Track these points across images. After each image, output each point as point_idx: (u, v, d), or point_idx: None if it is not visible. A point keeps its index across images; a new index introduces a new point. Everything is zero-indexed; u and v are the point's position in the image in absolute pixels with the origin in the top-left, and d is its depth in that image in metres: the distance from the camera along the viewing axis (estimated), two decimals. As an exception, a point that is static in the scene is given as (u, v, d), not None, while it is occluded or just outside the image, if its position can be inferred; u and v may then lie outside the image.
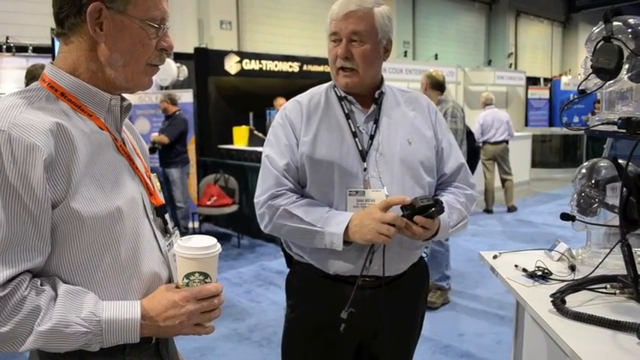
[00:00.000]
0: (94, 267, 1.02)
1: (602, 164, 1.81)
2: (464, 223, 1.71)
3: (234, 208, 6.21)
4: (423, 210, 1.50)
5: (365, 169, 1.61)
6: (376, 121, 1.66)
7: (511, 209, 7.97)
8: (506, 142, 7.91)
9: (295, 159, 1.63)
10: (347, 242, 1.56)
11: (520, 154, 9.93)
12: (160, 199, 1.18)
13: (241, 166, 6.45)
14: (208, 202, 6.23)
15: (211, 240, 1.09)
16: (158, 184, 1.22)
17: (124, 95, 1.13)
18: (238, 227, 6.42)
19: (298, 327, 1.76)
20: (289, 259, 1.80)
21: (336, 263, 1.64)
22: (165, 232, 1.17)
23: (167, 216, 1.18)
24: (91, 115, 1.06)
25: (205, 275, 1.07)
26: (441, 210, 1.52)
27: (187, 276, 1.06)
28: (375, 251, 1.60)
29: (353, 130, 1.63)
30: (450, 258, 4.45)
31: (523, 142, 10.09)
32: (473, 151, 4.80)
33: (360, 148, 1.62)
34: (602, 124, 1.51)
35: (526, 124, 12.96)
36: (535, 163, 10.93)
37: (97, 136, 1.05)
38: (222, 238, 6.54)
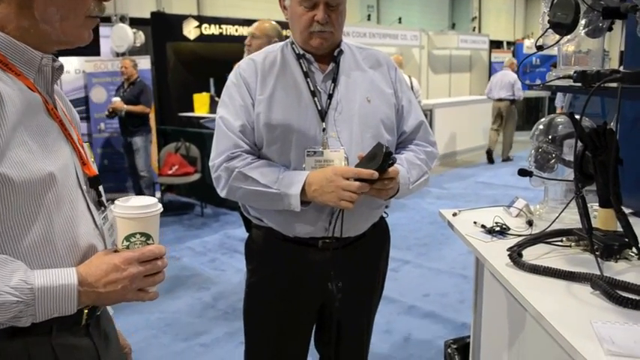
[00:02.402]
0: (20, 235, 0.94)
1: (559, 120, 1.84)
2: (425, 179, 1.72)
3: (196, 176, 6.13)
4: (382, 166, 1.49)
5: (324, 130, 1.59)
6: (334, 80, 1.64)
7: (505, 160, 9.18)
8: (510, 101, 8.99)
9: (251, 119, 1.61)
10: (305, 202, 1.55)
11: (482, 118, 10.08)
12: (94, 169, 1.12)
13: (203, 133, 6.34)
14: (170, 172, 6.15)
15: (151, 199, 1.06)
16: (91, 153, 1.17)
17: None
18: (201, 196, 6.37)
19: (259, 291, 1.75)
20: (248, 224, 1.78)
21: (295, 225, 1.63)
22: (100, 204, 1.11)
23: (101, 188, 1.13)
24: (19, 75, 0.99)
25: (147, 236, 1.03)
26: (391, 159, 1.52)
27: (127, 238, 1.02)
28: (335, 212, 1.60)
29: (311, 89, 1.61)
30: None
31: (485, 105, 10.21)
32: None
33: (319, 107, 1.60)
34: (559, 78, 1.52)
35: (489, 89, 13.10)
36: (498, 127, 11.09)
37: (26, 97, 0.98)
38: (185, 208, 6.50)
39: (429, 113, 8.66)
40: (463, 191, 7.09)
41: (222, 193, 1.63)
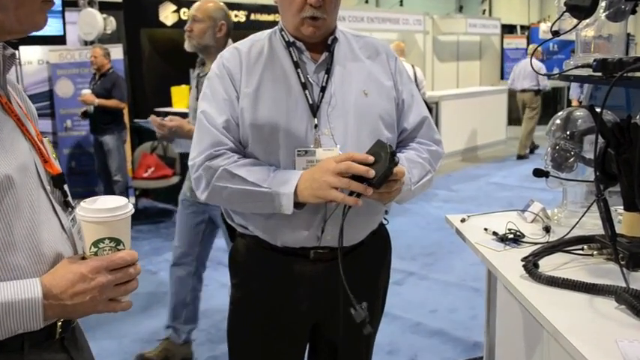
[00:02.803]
0: None
1: (578, 113, 1.84)
2: (428, 180, 1.70)
3: (175, 179, 6.10)
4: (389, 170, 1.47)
5: (316, 126, 1.59)
6: (328, 71, 1.64)
7: (521, 157, 9.25)
8: (535, 91, 9.18)
9: (235, 114, 1.61)
10: (298, 206, 1.55)
11: (495, 111, 10.11)
12: (57, 166, 1.12)
13: (184, 130, 6.31)
14: (145, 174, 6.12)
15: (121, 200, 1.05)
16: (52, 149, 1.16)
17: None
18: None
19: (243, 309, 1.75)
20: (232, 232, 1.78)
21: (284, 233, 1.63)
22: (67, 205, 1.11)
23: (66, 187, 1.13)
24: None
25: (117, 241, 1.03)
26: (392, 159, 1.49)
27: (95, 244, 1.02)
28: (328, 219, 1.59)
29: (302, 81, 1.61)
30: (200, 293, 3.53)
31: (498, 97, 10.25)
32: None
33: (310, 101, 1.60)
34: (577, 67, 1.52)
35: (502, 77, 13.09)
36: (512, 121, 11.14)
37: None
38: (162, 215, 6.45)
39: (434, 106, 8.70)
40: (473, 193, 7.13)
41: (203, 196, 1.62)
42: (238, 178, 1.56)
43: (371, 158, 1.45)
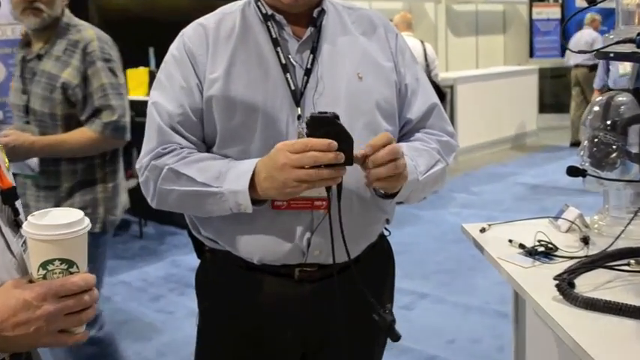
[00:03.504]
0: None
1: (621, 99, 1.84)
2: (439, 170, 1.70)
3: (132, 183, 6.06)
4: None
5: (299, 117, 1.59)
6: (314, 50, 1.64)
7: (575, 144, 9.05)
8: (589, 67, 9.32)
9: (196, 106, 1.61)
10: (260, 201, 1.54)
11: (523, 96, 10.13)
12: (8, 179, 1.13)
13: (140, 124, 6.26)
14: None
15: (76, 214, 1.06)
16: (5, 157, 1.17)
17: None
18: (140, 210, 6.25)
19: (214, 340, 1.75)
20: (199, 247, 1.78)
21: (261, 248, 1.62)
22: (17, 225, 1.12)
23: (18, 204, 1.14)
24: None
25: (69, 263, 1.03)
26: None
27: (44, 265, 1.02)
28: (316, 229, 1.59)
29: (282, 62, 1.61)
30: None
31: (526, 79, 10.28)
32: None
33: (293, 87, 1.60)
34: (617, 43, 1.52)
35: (531, 55, 13.13)
36: (544, 107, 11.16)
37: None
38: (117, 227, 6.38)
39: (448, 91, 8.65)
40: (497, 197, 7.13)
41: (153, 203, 1.64)
42: (185, 179, 1.56)
43: (334, 144, 1.42)
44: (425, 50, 7.41)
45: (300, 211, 1.58)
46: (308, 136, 1.45)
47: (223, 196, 1.54)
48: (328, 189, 1.49)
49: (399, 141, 1.72)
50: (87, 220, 1.06)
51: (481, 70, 11.09)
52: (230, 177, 1.54)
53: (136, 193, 6.70)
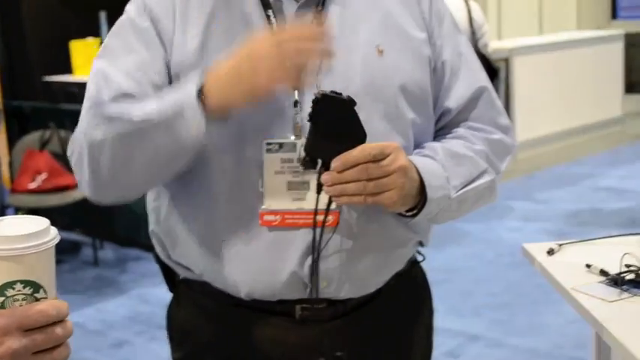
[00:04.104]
0: None
1: None
2: (485, 184, 1.70)
3: (78, 194, 6.07)
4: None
5: (296, 103, 1.60)
6: (319, 14, 1.63)
7: None
8: None
9: (157, 82, 1.60)
10: (218, 119, 1.51)
11: (604, 71, 10.09)
12: None
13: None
14: (32, 185, 6.13)
15: (39, 222, 1.07)
16: None
17: None
18: (93, 228, 6.40)
19: None
20: (170, 276, 1.80)
21: (248, 277, 1.62)
22: None
23: None
24: None
25: (34, 286, 1.04)
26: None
27: (1, 290, 1.03)
28: (321, 253, 1.59)
29: (275, 29, 1.60)
30: None
31: (608, 48, 10.26)
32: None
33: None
34: None
35: (613, 16, 13.11)
36: (632, 86, 11.14)
37: None
38: (65, 251, 6.49)
39: (502, 66, 8.66)
40: (570, 206, 7.13)
41: (85, 184, 1.61)
42: (120, 121, 1.53)
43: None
44: (469, 12, 7.37)
45: (298, 229, 1.59)
46: (311, 116, 1.48)
47: (167, 127, 1.50)
48: (330, 200, 1.53)
49: (435, 135, 1.75)
50: (54, 231, 1.06)
51: (546, 37, 10.93)
52: (174, 95, 1.53)
53: (86, 206, 6.73)
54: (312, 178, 1.56)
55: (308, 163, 1.52)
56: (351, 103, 1.46)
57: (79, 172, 1.62)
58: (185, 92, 1.49)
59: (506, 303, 5.04)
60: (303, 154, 1.53)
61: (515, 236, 6.13)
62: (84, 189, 1.63)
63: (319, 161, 1.52)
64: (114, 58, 1.64)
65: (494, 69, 7.24)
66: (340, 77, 1.61)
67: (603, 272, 1.81)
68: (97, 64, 1.65)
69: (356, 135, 1.48)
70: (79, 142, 1.60)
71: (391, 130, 1.62)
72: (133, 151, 1.56)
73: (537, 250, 2.06)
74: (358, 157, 1.48)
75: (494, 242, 6.16)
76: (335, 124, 1.47)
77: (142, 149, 1.56)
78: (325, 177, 1.49)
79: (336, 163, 1.47)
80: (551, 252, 2.03)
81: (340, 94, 1.47)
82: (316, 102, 1.47)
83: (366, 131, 1.56)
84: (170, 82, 1.61)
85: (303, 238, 1.59)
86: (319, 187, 1.53)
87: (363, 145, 1.49)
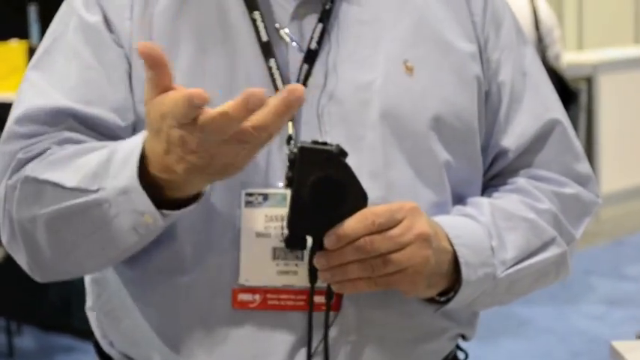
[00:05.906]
0: None
1: None
2: (551, 258, 1.73)
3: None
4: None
5: (290, 140, 1.65)
6: (325, 16, 1.69)
7: None
8: None
9: (117, 104, 1.68)
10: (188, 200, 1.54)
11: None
12: None
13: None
14: None
15: None
16: None
17: None
18: (7, 304, 6.46)
19: None
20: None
21: None
22: None
23: None
24: None
25: None
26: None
27: None
28: (318, 348, 1.66)
29: (263, 37, 1.66)
30: None
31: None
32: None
33: (281, 83, 1.64)
34: None
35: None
36: None
37: None
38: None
39: (583, 87, 8.66)
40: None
41: (19, 256, 1.68)
42: (50, 189, 1.58)
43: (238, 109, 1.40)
44: (535, 13, 7.38)
45: (285, 313, 1.62)
46: (290, 180, 1.50)
47: (109, 204, 1.54)
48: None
49: (485, 187, 1.77)
50: None
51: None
52: (115, 164, 1.54)
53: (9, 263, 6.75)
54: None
55: (294, 242, 1.54)
56: (340, 154, 1.48)
57: (6, 239, 1.69)
58: (125, 172, 1.53)
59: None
60: (286, 231, 1.55)
61: (596, 327, 6.17)
62: (26, 270, 1.67)
63: (309, 238, 1.53)
64: (48, 65, 1.74)
65: (570, 92, 7.20)
66: (350, 103, 1.68)
67: None
68: (29, 75, 1.73)
69: (352, 197, 1.49)
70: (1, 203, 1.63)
71: (415, 178, 1.66)
72: (65, 233, 1.63)
73: (629, 347, 2.01)
74: (357, 229, 1.51)
75: (566, 335, 6.16)
76: (323, 186, 1.49)
77: (78, 238, 1.64)
78: (319, 259, 1.51)
79: (328, 239, 1.50)
80: (646, 350, 1.95)
81: (325, 143, 1.49)
82: (293, 159, 1.49)
83: (383, 181, 1.59)
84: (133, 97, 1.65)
85: (292, 326, 1.62)
86: (312, 274, 1.56)
87: (364, 210, 1.51)
